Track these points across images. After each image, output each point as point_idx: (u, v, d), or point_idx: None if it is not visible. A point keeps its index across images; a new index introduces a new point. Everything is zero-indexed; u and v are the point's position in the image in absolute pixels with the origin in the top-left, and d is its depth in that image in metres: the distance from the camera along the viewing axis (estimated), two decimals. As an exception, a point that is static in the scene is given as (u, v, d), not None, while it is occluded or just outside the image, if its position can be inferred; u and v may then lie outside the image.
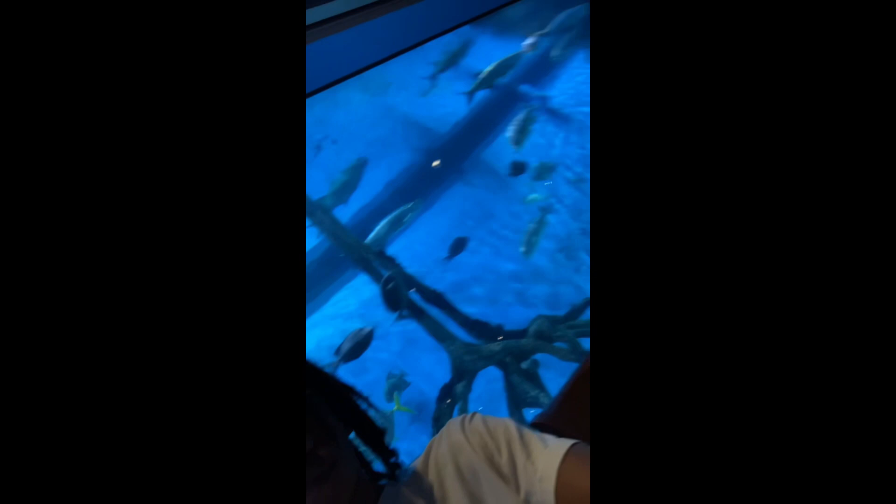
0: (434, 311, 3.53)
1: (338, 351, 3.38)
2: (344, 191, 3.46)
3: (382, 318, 3.52)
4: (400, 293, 3.49)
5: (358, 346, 3.46)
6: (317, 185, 3.50)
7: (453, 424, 0.78)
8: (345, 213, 3.52)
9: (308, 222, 3.45)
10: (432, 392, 3.25)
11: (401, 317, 3.56)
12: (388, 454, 0.78)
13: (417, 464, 0.78)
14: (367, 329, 3.53)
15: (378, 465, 0.79)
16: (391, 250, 3.59)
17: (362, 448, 0.79)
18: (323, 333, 3.46)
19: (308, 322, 3.46)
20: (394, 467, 0.78)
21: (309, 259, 3.53)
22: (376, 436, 0.78)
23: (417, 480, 0.75)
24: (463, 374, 3.43)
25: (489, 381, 3.39)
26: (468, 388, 3.39)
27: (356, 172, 3.47)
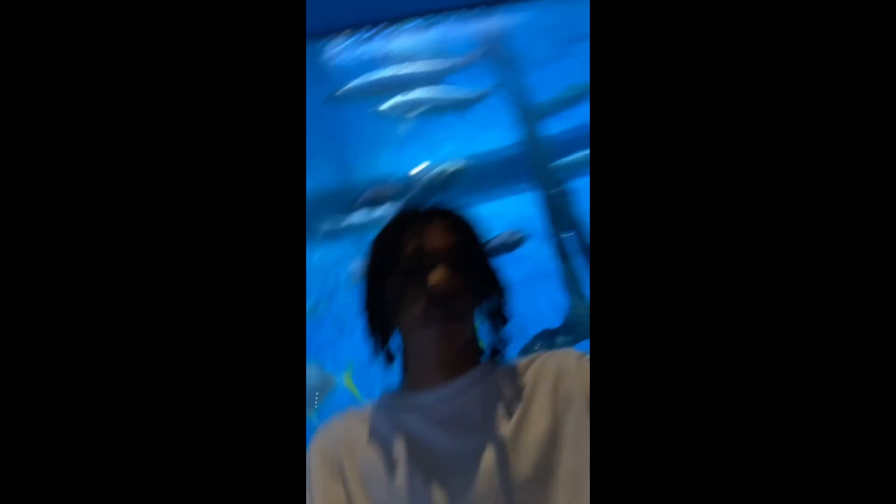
0: (581, 261, 3.40)
1: (487, 243, 3.55)
2: (560, 105, 3.35)
3: (537, 235, 3.51)
4: (563, 216, 3.42)
5: (505, 246, 3.59)
6: (545, 87, 3.45)
7: (571, 352, 0.82)
8: (553, 128, 3.44)
9: (513, 121, 3.46)
10: (533, 328, 3.27)
11: (556, 237, 3.51)
12: (499, 338, 0.85)
13: (518, 362, 0.83)
14: (519, 235, 3.59)
15: (484, 343, 0.86)
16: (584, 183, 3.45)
17: (481, 323, 0.86)
18: (484, 221, 3.64)
19: (476, 208, 3.64)
20: (497, 351, 0.85)
21: (500, 154, 3.61)
22: (500, 318, 0.85)
23: (512, 375, 0.80)
24: (571, 330, 3.33)
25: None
26: (569, 345, 3.31)
27: (580, 93, 3.30)
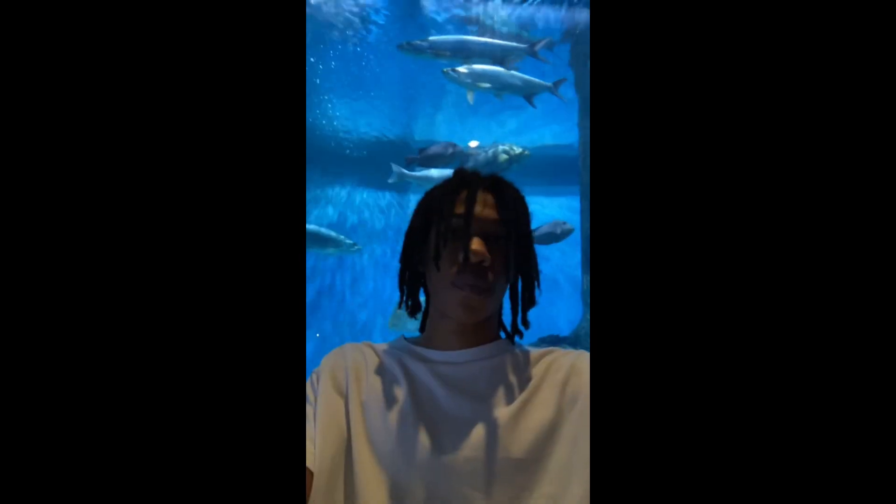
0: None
1: (535, 230, 3.52)
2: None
3: (573, 241, 3.44)
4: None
5: (552, 235, 3.56)
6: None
7: (586, 355, 0.82)
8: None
9: (577, 121, 3.30)
10: (541, 329, 3.29)
11: (589, 249, 3.45)
12: (522, 320, 0.84)
13: (532, 351, 0.83)
14: (568, 227, 3.54)
15: (506, 322, 0.86)
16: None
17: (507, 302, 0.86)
18: (539, 213, 3.59)
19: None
20: (517, 332, 0.85)
21: (556, 151, 3.51)
22: (527, 301, 0.85)
23: (524, 360, 0.81)
24: (577, 342, 3.33)
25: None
26: (569, 356, 3.30)
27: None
